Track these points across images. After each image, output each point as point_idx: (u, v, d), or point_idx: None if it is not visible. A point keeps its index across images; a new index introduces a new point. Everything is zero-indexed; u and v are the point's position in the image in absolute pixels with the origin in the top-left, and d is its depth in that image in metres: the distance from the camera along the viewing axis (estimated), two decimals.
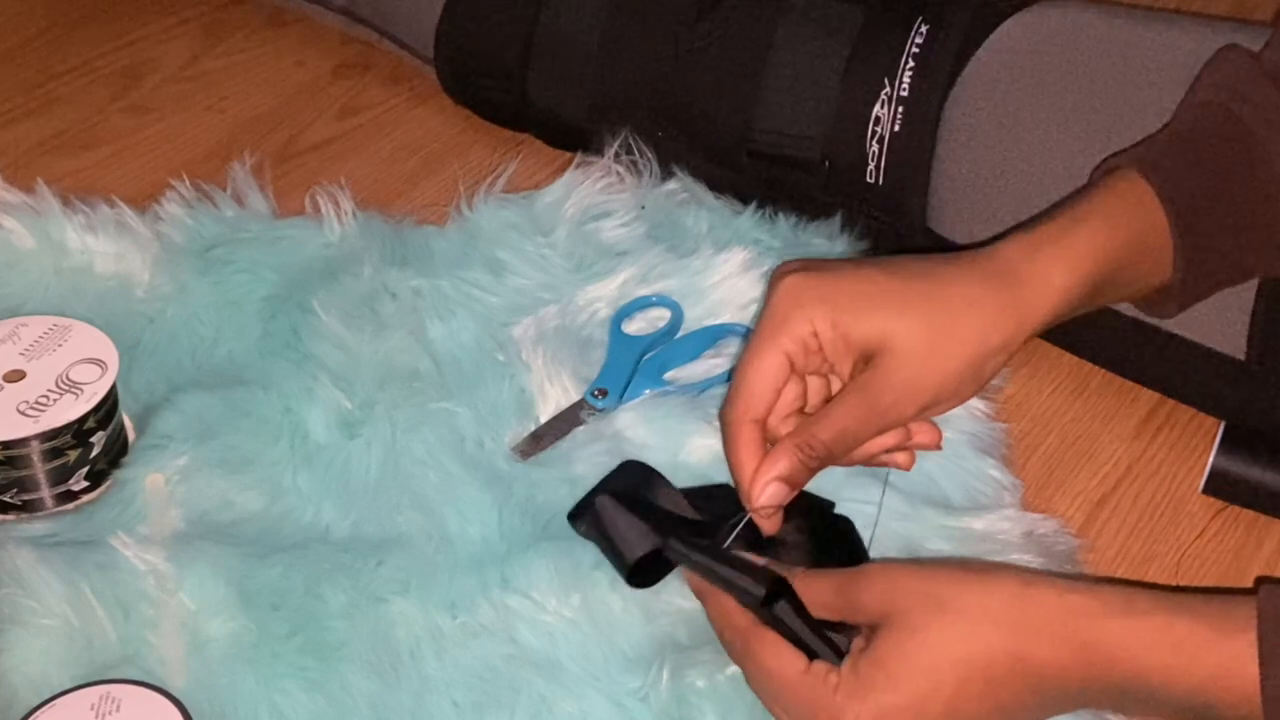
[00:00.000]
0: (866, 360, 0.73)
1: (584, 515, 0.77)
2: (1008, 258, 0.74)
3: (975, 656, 0.66)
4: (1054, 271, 0.73)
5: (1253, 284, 0.86)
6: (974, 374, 0.73)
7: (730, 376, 0.89)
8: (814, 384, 0.75)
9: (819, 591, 0.70)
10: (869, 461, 0.77)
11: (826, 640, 0.69)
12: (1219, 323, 0.87)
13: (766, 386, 0.73)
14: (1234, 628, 0.64)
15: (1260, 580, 0.79)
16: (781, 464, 0.72)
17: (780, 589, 0.69)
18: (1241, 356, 0.87)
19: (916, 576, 0.69)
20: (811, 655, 0.69)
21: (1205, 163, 0.80)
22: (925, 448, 0.77)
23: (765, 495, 0.72)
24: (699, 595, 0.75)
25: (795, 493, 0.73)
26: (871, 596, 0.68)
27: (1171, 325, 0.88)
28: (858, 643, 0.69)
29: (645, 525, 0.75)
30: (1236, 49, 0.85)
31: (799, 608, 0.69)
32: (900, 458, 0.77)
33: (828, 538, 0.77)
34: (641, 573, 0.76)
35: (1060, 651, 0.66)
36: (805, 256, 0.96)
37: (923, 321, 0.72)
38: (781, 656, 0.69)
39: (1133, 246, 0.77)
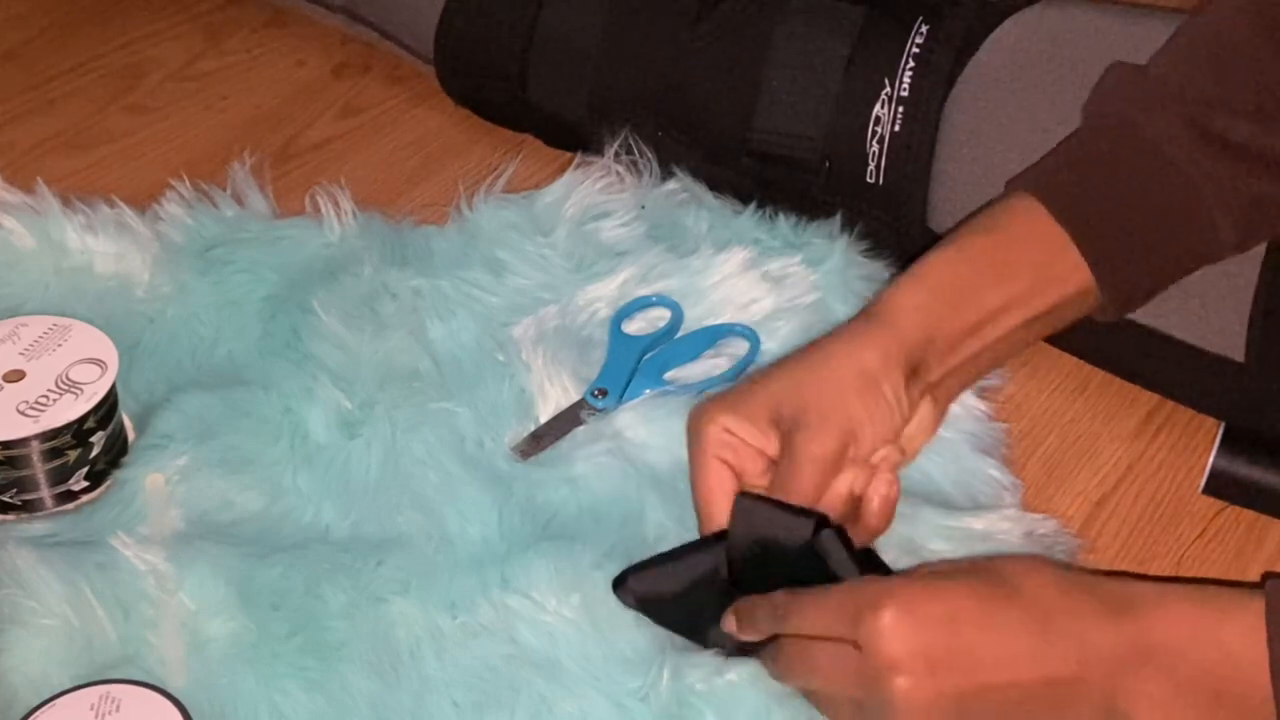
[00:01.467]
0: (786, 440, 0.77)
1: (626, 587, 0.77)
2: (875, 296, 0.80)
3: (1024, 581, 0.67)
4: (900, 289, 0.79)
5: (1250, 287, 0.86)
6: (868, 394, 0.77)
7: (731, 376, 0.90)
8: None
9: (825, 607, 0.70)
10: (847, 517, 0.77)
11: (876, 568, 0.71)
12: (1217, 325, 0.87)
13: (722, 495, 0.77)
14: (1238, 609, 0.65)
15: (1266, 575, 0.79)
16: None
17: (825, 522, 0.71)
18: (1240, 359, 0.87)
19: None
20: None
21: (1106, 175, 0.82)
22: (888, 500, 0.78)
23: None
24: (738, 615, 0.73)
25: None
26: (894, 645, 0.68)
27: (1170, 328, 0.88)
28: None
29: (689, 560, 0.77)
30: (1122, 65, 0.86)
31: (847, 541, 0.71)
32: (874, 521, 0.78)
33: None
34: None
35: (1096, 600, 0.66)
36: (804, 255, 0.96)
37: (803, 373, 0.77)
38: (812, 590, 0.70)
39: (1023, 266, 0.80)
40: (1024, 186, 0.82)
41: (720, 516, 0.77)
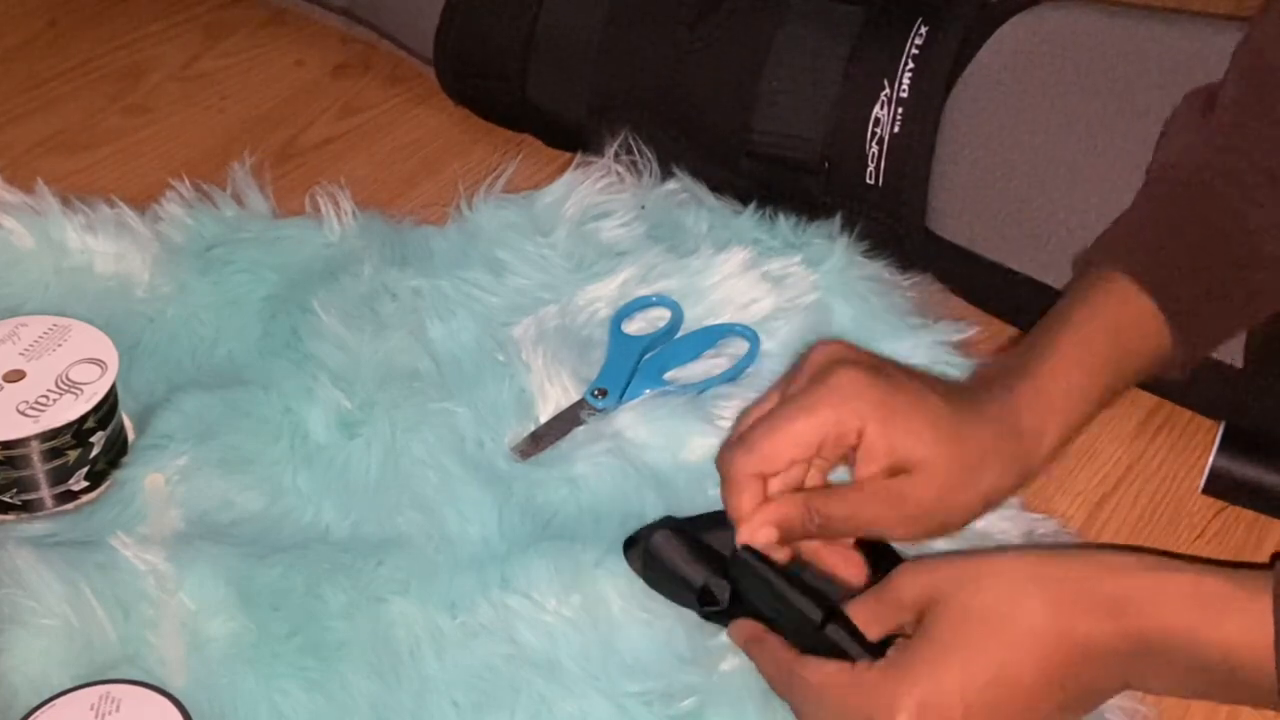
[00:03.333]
0: (893, 471, 0.74)
1: (639, 548, 0.78)
2: (1015, 410, 0.75)
3: (1019, 617, 0.66)
4: (1049, 428, 0.76)
5: None
6: (976, 514, 0.76)
7: (731, 376, 0.90)
8: (813, 473, 0.76)
9: (861, 609, 0.71)
10: (809, 556, 0.77)
11: (879, 653, 0.70)
12: None
13: (787, 452, 0.73)
14: (1261, 589, 0.65)
15: (1276, 556, 0.79)
16: (786, 512, 0.73)
17: (833, 612, 0.70)
18: (1240, 364, 0.87)
19: (950, 561, 0.70)
20: None
21: (1181, 239, 0.81)
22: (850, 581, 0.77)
23: (760, 535, 0.73)
24: (746, 644, 0.74)
25: (783, 545, 0.74)
26: (911, 591, 0.69)
27: None
28: (899, 641, 0.70)
29: (702, 557, 0.76)
30: (1188, 110, 0.85)
31: (850, 628, 0.70)
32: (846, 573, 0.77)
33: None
34: (706, 602, 0.76)
35: (1093, 605, 0.66)
36: (804, 255, 0.96)
37: (953, 460, 0.74)
38: (825, 667, 0.69)
39: (1128, 352, 0.79)
40: (1121, 266, 0.80)
41: (771, 463, 0.73)
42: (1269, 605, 0.64)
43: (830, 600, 0.71)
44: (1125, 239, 0.82)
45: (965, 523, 0.75)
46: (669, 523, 0.79)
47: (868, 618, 0.70)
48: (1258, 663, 0.64)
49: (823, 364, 0.75)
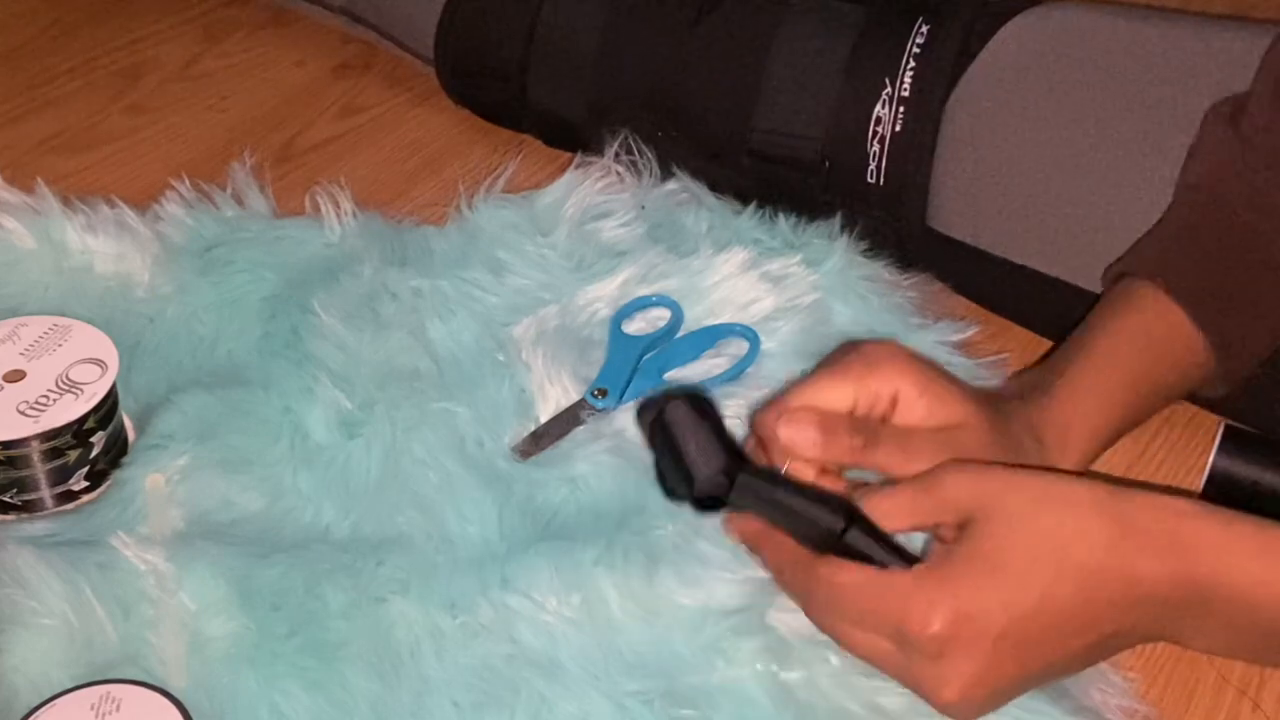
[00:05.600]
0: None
1: (651, 414, 0.71)
2: (1037, 426, 0.75)
3: (1074, 547, 0.64)
4: (1071, 441, 0.75)
5: None
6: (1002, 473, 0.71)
7: (731, 376, 0.90)
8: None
9: (897, 501, 0.68)
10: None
11: (905, 558, 0.66)
12: None
13: (818, 410, 0.71)
14: None
15: None
16: (832, 421, 0.70)
17: (852, 517, 0.67)
18: None
19: (1009, 472, 0.67)
20: None
21: (1210, 249, 0.81)
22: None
23: (801, 426, 0.70)
24: (751, 542, 0.71)
25: (819, 457, 0.70)
26: (961, 490, 0.66)
27: None
28: (937, 547, 0.67)
29: (718, 445, 0.69)
30: (1217, 122, 0.85)
31: (871, 530, 0.66)
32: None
33: None
34: (704, 496, 0.70)
35: (1156, 548, 0.64)
36: (804, 255, 0.96)
37: (994, 428, 0.72)
38: (850, 569, 0.66)
39: (1161, 363, 0.78)
40: (1151, 276, 0.80)
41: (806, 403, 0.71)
42: None
43: (850, 504, 0.67)
44: (1155, 251, 0.82)
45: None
46: (693, 396, 0.71)
47: (901, 508, 0.67)
48: None
49: (858, 345, 0.74)
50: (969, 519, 0.66)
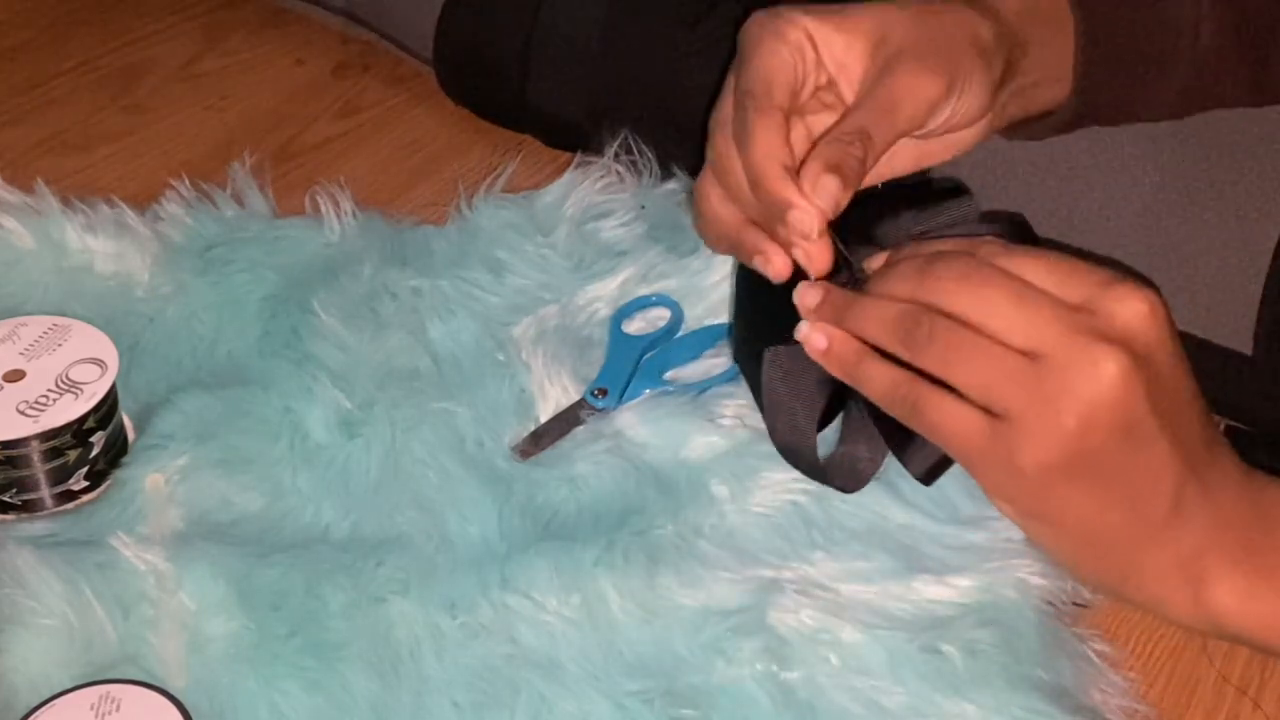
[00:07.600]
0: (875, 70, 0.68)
1: (746, 353, 0.70)
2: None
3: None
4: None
5: (1259, 278, 0.85)
6: (977, 61, 0.70)
7: (731, 376, 0.90)
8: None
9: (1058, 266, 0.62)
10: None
11: None
12: (1225, 317, 0.87)
13: (779, 70, 0.68)
14: None
15: None
16: (825, 151, 0.66)
17: None
18: (1248, 351, 0.87)
19: None
20: None
21: None
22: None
23: (823, 179, 0.65)
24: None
25: (848, 193, 0.66)
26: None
27: (1177, 321, 0.88)
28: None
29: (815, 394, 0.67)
30: None
31: None
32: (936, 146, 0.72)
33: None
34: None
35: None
36: None
37: (915, 14, 0.70)
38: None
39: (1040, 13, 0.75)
40: None
41: (774, 88, 0.68)
42: None
43: None
44: None
45: (970, 63, 0.69)
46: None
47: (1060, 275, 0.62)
48: None
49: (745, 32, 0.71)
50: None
